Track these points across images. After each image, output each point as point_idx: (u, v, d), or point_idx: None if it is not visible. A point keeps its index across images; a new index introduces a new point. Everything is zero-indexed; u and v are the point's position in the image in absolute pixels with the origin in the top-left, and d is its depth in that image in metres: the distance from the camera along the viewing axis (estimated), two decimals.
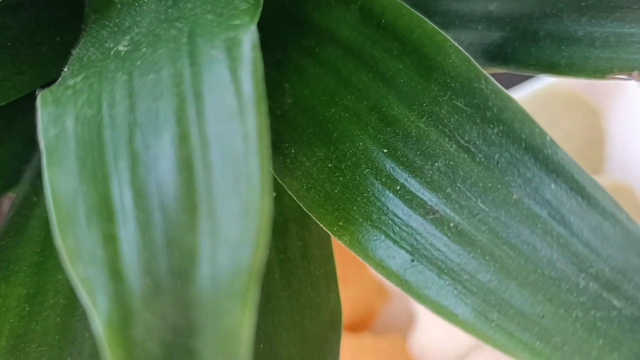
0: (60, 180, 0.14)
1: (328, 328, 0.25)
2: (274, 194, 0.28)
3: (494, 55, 0.23)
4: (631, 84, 0.46)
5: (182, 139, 0.14)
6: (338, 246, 0.45)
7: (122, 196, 0.14)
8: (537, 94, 0.45)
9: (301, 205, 0.23)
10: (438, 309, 0.19)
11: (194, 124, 0.14)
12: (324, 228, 0.22)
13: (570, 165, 0.17)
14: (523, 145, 0.18)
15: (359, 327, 0.46)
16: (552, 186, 0.18)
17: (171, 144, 0.14)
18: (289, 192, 0.24)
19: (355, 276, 0.45)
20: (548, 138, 0.18)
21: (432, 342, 0.45)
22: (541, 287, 0.18)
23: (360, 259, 0.21)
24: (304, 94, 0.24)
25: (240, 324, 0.13)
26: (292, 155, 0.24)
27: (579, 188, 0.17)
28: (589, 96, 0.46)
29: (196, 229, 0.14)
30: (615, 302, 0.17)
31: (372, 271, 0.46)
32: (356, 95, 0.22)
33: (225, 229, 0.14)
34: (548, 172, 0.18)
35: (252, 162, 0.14)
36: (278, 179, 0.24)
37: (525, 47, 0.23)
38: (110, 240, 0.14)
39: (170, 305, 0.13)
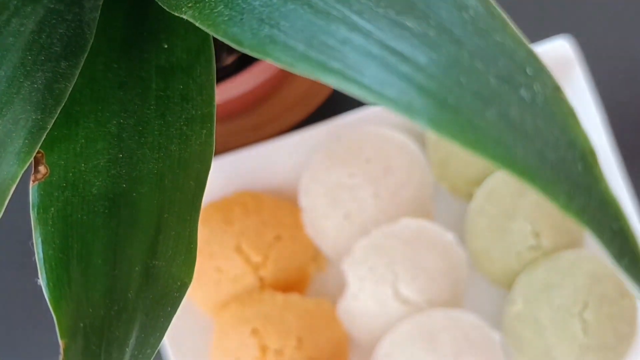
0: None
1: (196, 158, 0.26)
2: (165, 45, 0.29)
3: None
4: (577, 73, 0.47)
5: None
6: (274, 206, 0.46)
7: None
8: None
9: (165, 7, 0.24)
10: (254, 48, 0.19)
11: None
12: (176, 14, 0.23)
13: None
14: None
15: (290, 289, 0.45)
16: None
17: None
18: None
19: (289, 235, 0.45)
20: None
21: (362, 310, 0.44)
22: (343, 20, 0.19)
23: (198, 24, 0.21)
24: None
25: None
26: None
27: None
28: None
29: None
30: (408, 23, 0.18)
31: (309, 236, 0.46)
32: None
33: None
34: None
35: None
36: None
37: None
38: None
39: None
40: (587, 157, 0.16)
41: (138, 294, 0.23)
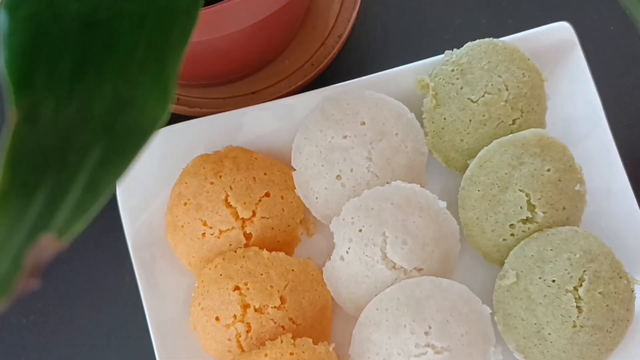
0: None
1: (182, 11, 0.25)
2: None
3: None
4: (577, 54, 0.46)
5: None
6: (266, 163, 0.45)
7: None
8: (480, 46, 0.46)
9: None
10: None
11: None
12: None
13: None
14: None
15: (276, 251, 0.44)
16: None
17: None
18: None
19: (279, 194, 0.44)
20: None
21: (348, 272, 0.43)
22: None
23: None
24: None
25: None
26: None
27: None
28: (535, 59, 0.46)
29: None
30: None
31: (299, 197, 0.45)
32: None
33: None
34: None
35: None
36: None
37: None
38: None
39: None
40: None
41: (107, 113, 0.22)
